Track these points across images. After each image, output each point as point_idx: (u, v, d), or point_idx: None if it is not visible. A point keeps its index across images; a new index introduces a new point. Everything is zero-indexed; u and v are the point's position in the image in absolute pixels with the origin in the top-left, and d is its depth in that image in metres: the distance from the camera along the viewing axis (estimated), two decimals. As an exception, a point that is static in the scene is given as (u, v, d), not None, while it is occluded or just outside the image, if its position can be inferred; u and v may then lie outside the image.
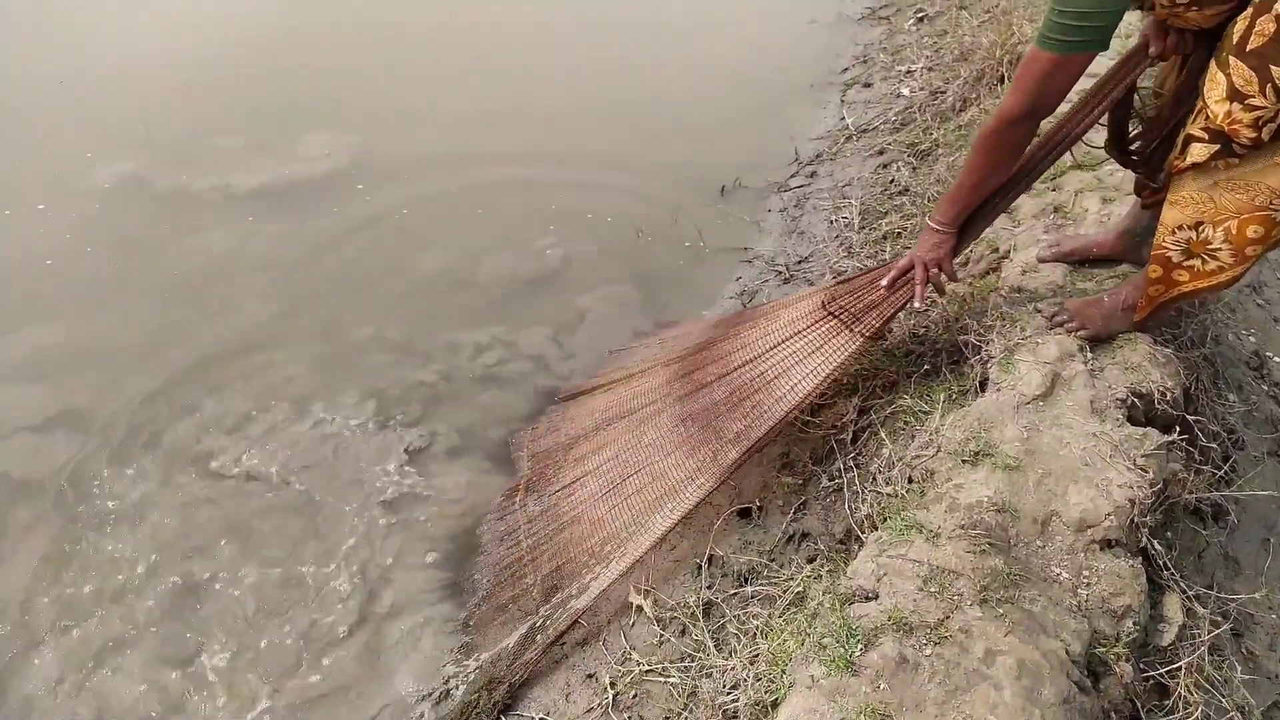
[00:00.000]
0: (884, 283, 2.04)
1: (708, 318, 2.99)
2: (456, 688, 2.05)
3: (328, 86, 4.82)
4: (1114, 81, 1.86)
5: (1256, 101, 1.46)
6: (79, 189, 3.95)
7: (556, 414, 2.72)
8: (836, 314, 2.10)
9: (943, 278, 2.02)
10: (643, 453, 2.25)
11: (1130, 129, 1.99)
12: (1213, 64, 1.53)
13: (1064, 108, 1.86)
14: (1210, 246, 1.66)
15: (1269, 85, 1.43)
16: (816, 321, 2.12)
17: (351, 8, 5.86)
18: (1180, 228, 1.67)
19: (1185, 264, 1.72)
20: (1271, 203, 1.56)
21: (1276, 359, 2.69)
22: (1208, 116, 1.55)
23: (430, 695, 2.07)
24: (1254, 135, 1.49)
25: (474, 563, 2.37)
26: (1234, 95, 1.48)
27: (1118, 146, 2.01)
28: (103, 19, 5.74)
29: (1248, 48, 1.44)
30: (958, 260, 2.14)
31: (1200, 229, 1.65)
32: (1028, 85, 1.63)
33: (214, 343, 3.13)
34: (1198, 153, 1.58)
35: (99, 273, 3.45)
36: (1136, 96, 1.93)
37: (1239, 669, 1.73)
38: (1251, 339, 2.71)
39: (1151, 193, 2.03)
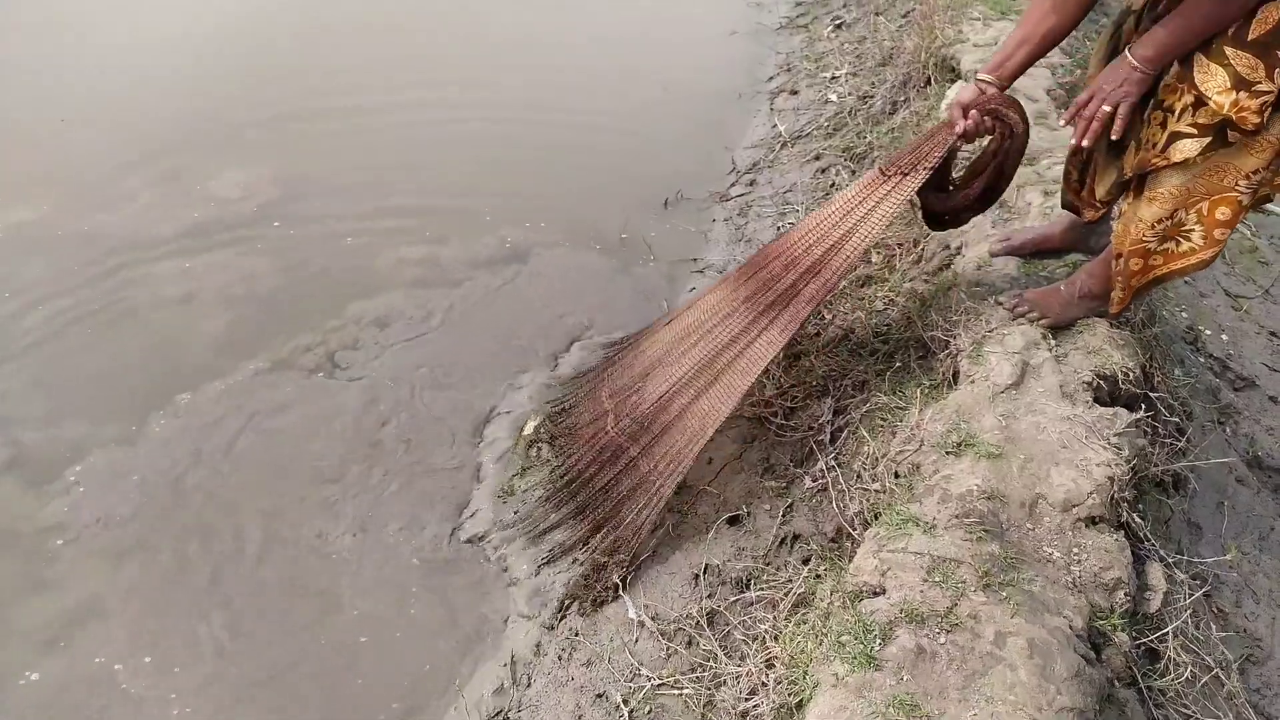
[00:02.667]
0: (1062, 121, 1.90)
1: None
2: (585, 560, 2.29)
3: (236, 124, 4.68)
4: None
5: (1263, 87, 1.53)
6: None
7: (623, 358, 2.77)
8: (893, 174, 2.14)
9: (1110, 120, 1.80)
10: (728, 348, 2.30)
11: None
12: (1202, 58, 1.60)
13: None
14: (1184, 228, 1.75)
15: (1277, 70, 1.52)
16: (876, 187, 2.16)
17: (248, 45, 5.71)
18: (1159, 220, 1.76)
19: (1160, 249, 1.81)
20: (1238, 184, 1.65)
21: (1208, 332, 2.87)
22: (1196, 109, 1.62)
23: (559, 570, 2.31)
24: (1258, 120, 1.56)
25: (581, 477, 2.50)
26: (1239, 84, 1.55)
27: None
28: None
29: (1249, 37, 1.52)
30: (912, 259, 2.24)
31: (1175, 215, 1.74)
32: None
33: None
34: (1189, 148, 1.65)
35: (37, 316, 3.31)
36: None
37: (1214, 628, 1.84)
38: (1184, 315, 2.88)
39: (1094, 211, 2.14)
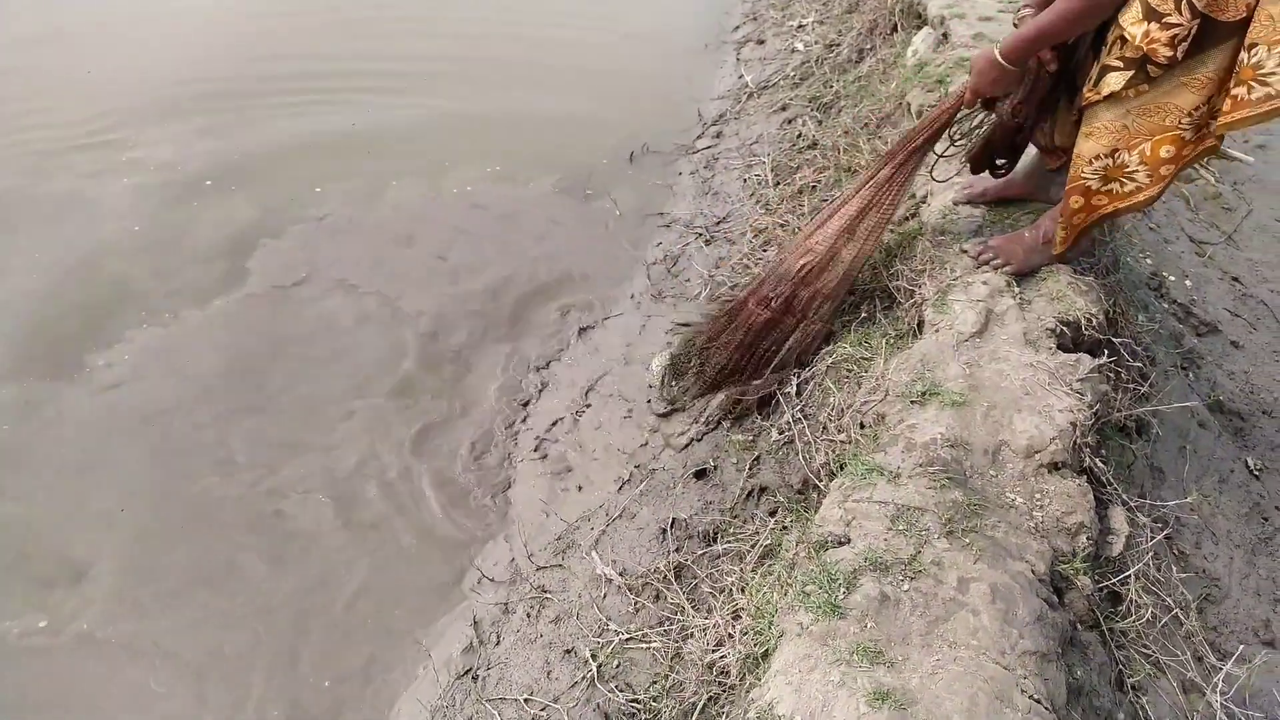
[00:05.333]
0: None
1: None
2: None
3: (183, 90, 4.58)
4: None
5: (1173, 19, 1.53)
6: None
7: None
8: None
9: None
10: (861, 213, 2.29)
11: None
12: None
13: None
14: (1127, 170, 1.75)
15: (1184, 2, 1.51)
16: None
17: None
18: (1097, 157, 1.76)
19: (1104, 189, 1.81)
20: (1180, 122, 1.65)
21: (1172, 278, 2.87)
22: (1123, 42, 1.62)
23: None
24: (1170, 54, 1.56)
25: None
26: (1150, 15, 1.55)
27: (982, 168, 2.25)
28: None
29: None
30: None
31: (1116, 155, 1.74)
32: None
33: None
34: (1114, 82, 1.66)
35: None
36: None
37: (1175, 569, 1.86)
38: (1148, 261, 2.89)
39: (1055, 158, 2.15)
